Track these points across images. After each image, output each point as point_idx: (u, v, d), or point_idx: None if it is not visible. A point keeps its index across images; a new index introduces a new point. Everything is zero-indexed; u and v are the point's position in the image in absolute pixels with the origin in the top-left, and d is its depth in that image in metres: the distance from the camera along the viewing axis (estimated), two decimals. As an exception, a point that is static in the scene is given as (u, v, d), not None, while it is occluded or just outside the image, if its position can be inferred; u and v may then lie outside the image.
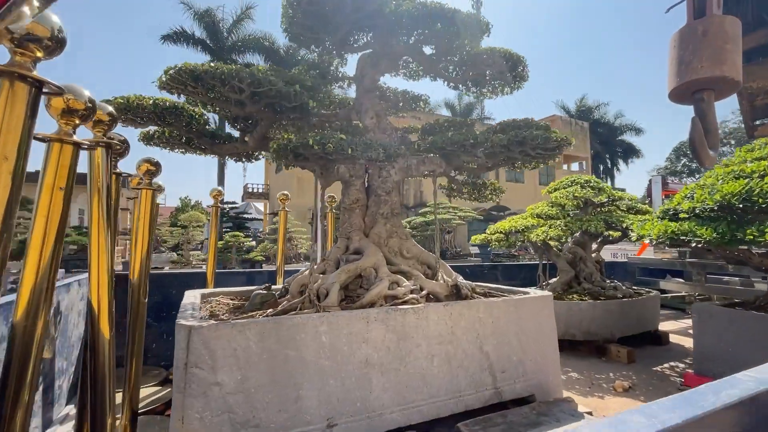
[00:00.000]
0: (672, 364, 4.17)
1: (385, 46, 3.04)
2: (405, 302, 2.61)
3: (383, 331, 2.40)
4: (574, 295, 4.70)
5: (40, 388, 2.51)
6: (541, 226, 4.64)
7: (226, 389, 1.97)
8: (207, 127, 2.46)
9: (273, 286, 2.84)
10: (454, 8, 2.67)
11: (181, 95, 2.16)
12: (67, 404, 3.01)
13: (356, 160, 2.40)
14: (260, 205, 29.89)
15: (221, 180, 24.07)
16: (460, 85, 3.14)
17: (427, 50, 3.15)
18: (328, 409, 2.19)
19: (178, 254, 15.39)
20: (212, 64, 2.02)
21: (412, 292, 2.76)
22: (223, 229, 18.82)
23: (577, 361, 4.23)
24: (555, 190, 5.12)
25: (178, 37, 22.22)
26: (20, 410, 1.27)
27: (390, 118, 3.71)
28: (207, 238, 16.59)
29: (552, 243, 5.98)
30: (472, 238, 5.47)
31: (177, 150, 2.67)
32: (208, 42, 22.65)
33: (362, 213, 3.17)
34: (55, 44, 1.19)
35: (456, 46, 2.66)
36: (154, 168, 2.56)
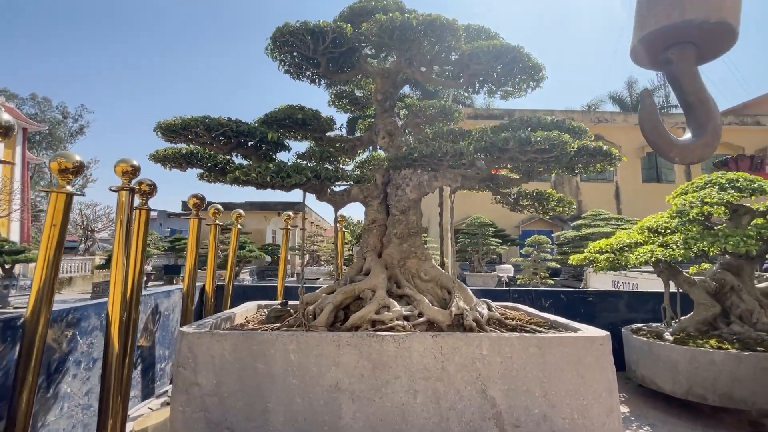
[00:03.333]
0: None
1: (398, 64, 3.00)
2: (391, 329, 2.46)
3: (356, 357, 2.33)
4: (713, 340, 3.39)
5: (139, 368, 3.39)
6: (648, 244, 3.54)
7: (204, 390, 2.29)
8: (229, 165, 2.93)
9: (291, 302, 3.09)
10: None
11: (184, 143, 2.68)
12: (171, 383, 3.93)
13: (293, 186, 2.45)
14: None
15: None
16: (477, 88, 2.79)
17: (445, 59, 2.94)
18: (295, 427, 2.26)
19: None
20: (185, 117, 2.47)
21: (406, 318, 2.58)
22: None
23: (701, 433, 3.02)
24: (681, 194, 3.82)
25: None
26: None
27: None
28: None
29: (705, 266, 4.47)
30: (571, 258, 4.60)
31: (235, 184, 3.24)
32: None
33: (380, 233, 3.14)
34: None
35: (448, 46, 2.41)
36: (148, 189, 3.15)
